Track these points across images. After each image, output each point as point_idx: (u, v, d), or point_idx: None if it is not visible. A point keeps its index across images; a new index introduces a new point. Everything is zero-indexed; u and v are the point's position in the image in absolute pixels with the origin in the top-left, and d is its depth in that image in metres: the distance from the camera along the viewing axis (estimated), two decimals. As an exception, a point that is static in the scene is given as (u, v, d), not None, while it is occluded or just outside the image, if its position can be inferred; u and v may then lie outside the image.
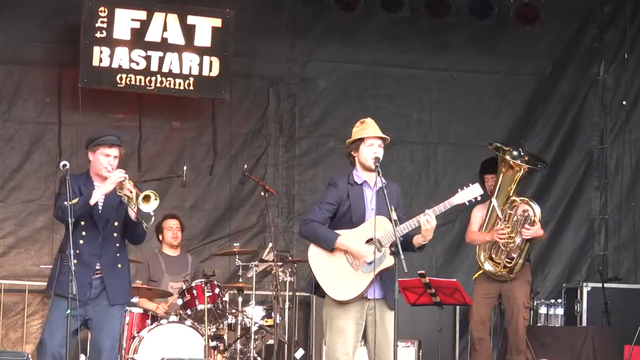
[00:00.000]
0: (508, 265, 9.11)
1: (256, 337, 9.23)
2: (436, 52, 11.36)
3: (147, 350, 8.73)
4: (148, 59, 10.25)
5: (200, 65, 10.37)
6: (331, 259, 6.80)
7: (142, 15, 10.26)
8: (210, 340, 8.85)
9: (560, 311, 10.31)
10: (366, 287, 6.73)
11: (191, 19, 10.37)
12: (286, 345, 9.50)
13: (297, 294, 10.06)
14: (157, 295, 9.38)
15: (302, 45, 11.14)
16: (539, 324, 10.28)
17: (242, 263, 9.59)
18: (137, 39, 10.22)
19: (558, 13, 11.30)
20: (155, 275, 9.64)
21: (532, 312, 10.25)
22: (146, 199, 6.78)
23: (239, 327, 9.25)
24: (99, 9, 10.09)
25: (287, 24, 11.11)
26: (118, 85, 10.22)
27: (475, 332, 9.24)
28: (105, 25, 10.10)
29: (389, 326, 6.76)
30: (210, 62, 10.41)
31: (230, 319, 9.24)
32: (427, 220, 6.71)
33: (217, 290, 9.13)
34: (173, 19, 10.32)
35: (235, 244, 9.82)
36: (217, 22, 10.42)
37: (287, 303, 9.56)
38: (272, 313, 9.31)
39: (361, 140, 6.90)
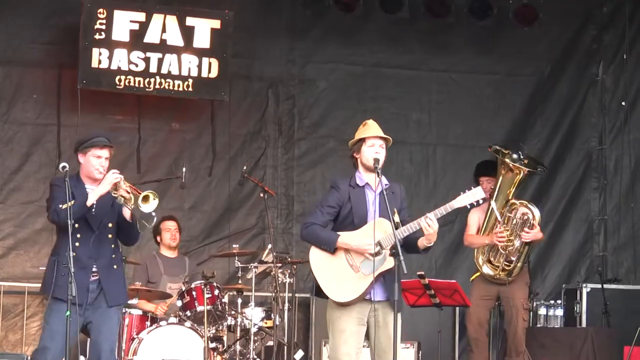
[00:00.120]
0: (507, 268, 9.09)
1: (256, 338, 9.22)
2: (435, 53, 11.36)
3: (147, 351, 8.73)
4: (147, 60, 10.26)
5: (199, 66, 10.37)
6: (332, 261, 6.80)
7: (141, 16, 10.26)
8: (209, 341, 8.85)
9: (559, 312, 10.31)
10: (366, 288, 6.73)
11: (190, 21, 10.37)
12: (286, 347, 9.50)
13: (297, 295, 10.06)
14: (156, 297, 9.37)
15: (301, 47, 11.14)
16: (538, 325, 10.27)
17: (241, 264, 9.58)
18: (136, 40, 10.23)
19: (557, 14, 11.30)
20: (153, 276, 9.64)
21: (531, 313, 10.25)
22: (145, 199, 6.79)
23: (238, 328, 9.25)
24: (98, 11, 10.09)
25: (286, 25, 11.11)
26: (117, 87, 10.22)
27: (472, 333, 9.23)
28: (104, 27, 10.11)
29: (392, 328, 6.75)
30: (209, 64, 10.41)
31: (230, 321, 9.24)
32: (428, 224, 6.69)
33: (216, 292, 9.13)
34: (172, 20, 10.32)
35: (234, 246, 9.83)
36: (216, 24, 10.41)
37: (286, 304, 9.56)
38: (272, 314, 9.30)
39: (362, 141, 6.90)
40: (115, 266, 7.03)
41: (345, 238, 6.77)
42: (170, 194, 10.53)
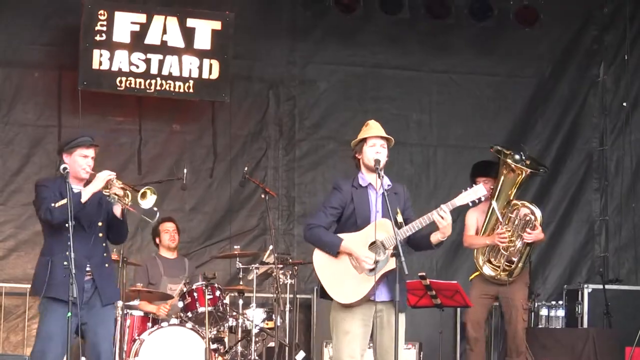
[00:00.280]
0: (507, 268, 9.08)
1: (257, 339, 9.22)
2: (436, 54, 11.36)
3: (148, 353, 8.72)
4: (148, 61, 10.25)
5: (200, 68, 10.37)
6: (335, 262, 6.79)
7: (141, 18, 10.26)
8: (211, 342, 8.84)
9: (561, 313, 10.32)
10: (370, 289, 6.72)
11: (191, 22, 10.37)
12: (287, 348, 9.50)
13: (298, 296, 10.05)
14: (157, 298, 9.37)
15: (302, 48, 11.14)
16: (540, 326, 10.28)
17: (242, 265, 9.57)
18: (137, 42, 10.22)
19: (558, 15, 11.30)
20: (154, 277, 9.64)
21: (532, 313, 10.26)
22: (143, 195, 6.81)
23: (239, 329, 9.23)
24: (99, 12, 10.09)
25: (286, 27, 11.11)
26: (118, 88, 10.22)
27: (471, 332, 9.21)
28: (104, 29, 10.10)
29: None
30: (210, 65, 10.41)
31: (231, 322, 9.23)
32: (442, 216, 6.68)
33: (217, 293, 9.12)
34: (173, 22, 10.32)
35: (235, 247, 9.83)
36: (217, 25, 10.41)
37: (287, 305, 9.54)
38: (273, 315, 9.29)
39: (364, 141, 6.90)
40: (106, 265, 7.03)
41: (348, 243, 6.76)
42: (171, 196, 10.54)
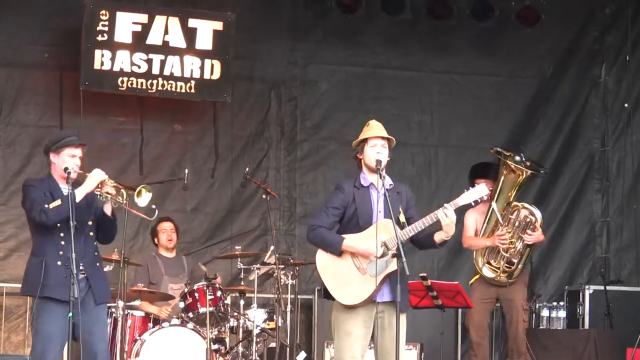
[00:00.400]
0: (507, 270, 9.06)
1: (258, 340, 9.21)
2: (437, 55, 11.36)
3: (149, 353, 8.73)
4: (149, 62, 10.26)
5: (202, 68, 10.37)
6: (338, 263, 6.79)
7: (143, 18, 10.26)
8: (212, 343, 8.85)
9: (562, 314, 10.32)
10: (373, 290, 6.72)
11: (192, 22, 10.37)
12: (288, 348, 9.48)
13: (299, 296, 10.04)
14: (158, 299, 9.38)
15: (303, 48, 11.14)
16: (541, 327, 10.28)
17: (243, 266, 9.57)
18: (139, 42, 10.22)
19: (559, 15, 11.30)
20: (154, 277, 9.64)
21: (534, 314, 10.26)
22: (138, 193, 6.83)
23: (240, 330, 9.23)
24: (101, 12, 10.09)
25: (287, 27, 11.11)
26: (119, 89, 10.22)
27: (475, 337, 9.18)
28: (106, 29, 10.10)
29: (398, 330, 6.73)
30: (212, 65, 10.41)
31: (232, 322, 9.22)
32: (446, 214, 6.68)
33: (218, 293, 9.12)
34: (174, 22, 10.32)
35: (236, 247, 9.82)
36: (219, 25, 10.41)
37: (289, 306, 9.54)
38: (274, 316, 9.30)
39: (365, 141, 6.90)
40: (98, 264, 7.03)
41: (350, 241, 6.77)
42: (172, 196, 10.55)
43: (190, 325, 8.93)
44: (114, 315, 8.84)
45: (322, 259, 6.84)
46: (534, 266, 10.25)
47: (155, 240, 9.88)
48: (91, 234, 7.00)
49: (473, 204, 6.87)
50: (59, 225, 6.81)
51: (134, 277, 9.57)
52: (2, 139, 10.40)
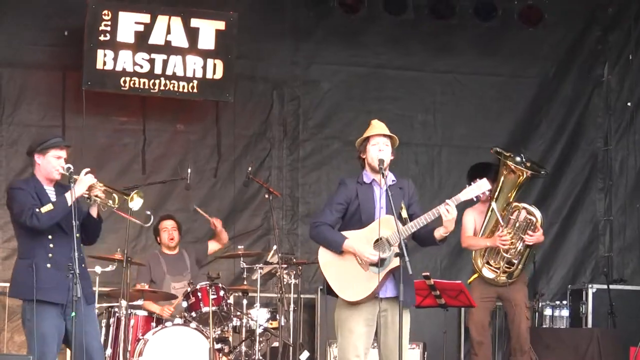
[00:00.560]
0: (507, 270, 9.04)
1: (261, 339, 9.22)
2: (439, 55, 11.35)
3: (152, 352, 8.73)
4: (152, 62, 10.26)
5: (204, 68, 10.37)
6: (341, 260, 6.80)
7: (145, 18, 10.26)
8: (215, 342, 8.85)
9: (565, 313, 10.31)
10: (376, 287, 6.71)
11: (195, 22, 10.37)
12: (291, 348, 9.48)
13: (302, 296, 10.03)
14: (161, 298, 9.38)
15: (305, 48, 11.14)
16: (544, 326, 10.26)
17: (246, 265, 9.57)
18: (141, 42, 10.23)
19: (562, 14, 11.30)
20: (156, 276, 9.64)
21: (537, 313, 10.25)
22: (131, 198, 6.88)
23: (243, 329, 9.24)
24: (103, 12, 10.09)
25: (290, 27, 11.11)
26: (122, 88, 10.22)
27: (476, 336, 9.16)
28: (109, 29, 10.11)
29: (401, 328, 6.72)
30: (214, 65, 10.41)
31: (235, 322, 9.23)
32: (448, 210, 6.68)
33: (221, 293, 9.12)
34: (177, 22, 10.32)
35: (239, 247, 9.82)
36: (221, 25, 10.41)
37: (292, 305, 9.55)
38: (277, 315, 9.29)
39: (367, 140, 6.91)
40: (83, 265, 7.01)
41: (351, 242, 6.77)
42: (175, 195, 10.55)
43: (193, 324, 8.92)
44: (117, 314, 8.84)
45: (325, 255, 6.85)
46: (537, 265, 10.24)
47: (158, 239, 9.89)
48: (77, 235, 6.98)
49: (475, 199, 6.88)
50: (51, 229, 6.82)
51: (136, 276, 9.57)
52: (4, 139, 10.41)
